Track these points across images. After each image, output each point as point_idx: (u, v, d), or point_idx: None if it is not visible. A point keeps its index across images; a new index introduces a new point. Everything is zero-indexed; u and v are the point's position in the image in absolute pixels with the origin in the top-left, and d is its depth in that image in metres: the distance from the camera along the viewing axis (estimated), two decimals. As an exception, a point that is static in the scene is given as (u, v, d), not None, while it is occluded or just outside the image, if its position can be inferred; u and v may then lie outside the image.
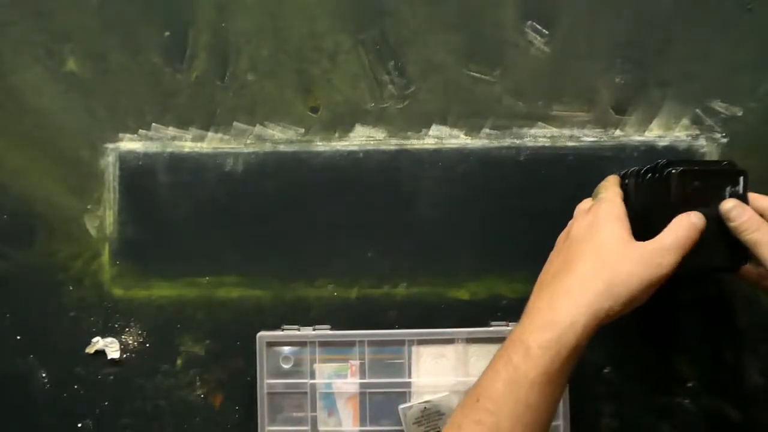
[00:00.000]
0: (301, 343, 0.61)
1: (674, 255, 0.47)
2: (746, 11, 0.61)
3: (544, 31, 0.62)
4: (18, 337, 0.64)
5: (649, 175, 0.52)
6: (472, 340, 0.60)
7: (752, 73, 0.61)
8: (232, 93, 0.64)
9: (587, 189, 0.62)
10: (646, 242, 0.47)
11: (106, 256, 0.64)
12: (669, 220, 0.48)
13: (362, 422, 0.60)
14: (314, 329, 0.61)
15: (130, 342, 0.64)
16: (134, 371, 0.64)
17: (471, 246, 0.63)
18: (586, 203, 0.55)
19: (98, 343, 0.63)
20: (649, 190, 0.51)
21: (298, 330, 0.61)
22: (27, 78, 0.64)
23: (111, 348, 0.63)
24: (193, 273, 0.64)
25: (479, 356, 0.60)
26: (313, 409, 0.60)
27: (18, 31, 0.64)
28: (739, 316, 0.61)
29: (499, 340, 0.59)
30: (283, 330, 0.61)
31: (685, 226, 0.48)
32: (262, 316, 0.63)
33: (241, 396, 0.63)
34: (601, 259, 0.47)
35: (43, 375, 0.64)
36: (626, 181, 0.54)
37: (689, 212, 0.48)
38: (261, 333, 0.60)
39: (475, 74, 0.63)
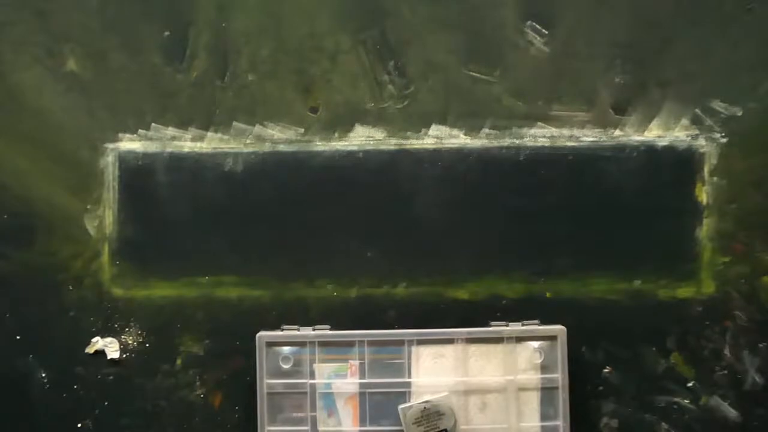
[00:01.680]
0: (300, 343, 0.60)
1: None
2: (746, 11, 0.61)
3: (544, 31, 0.62)
4: (18, 337, 0.64)
5: None
6: (471, 340, 0.60)
7: (752, 73, 0.61)
8: (232, 93, 0.64)
9: (587, 189, 0.62)
10: None
11: (106, 256, 0.64)
12: None
13: (362, 422, 0.60)
14: (314, 329, 0.61)
15: (130, 342, 0.64)
16: (134, 371, 0.64)
17: (471, 246, 0.63)
18: None
19: (98, 343, 0.63)
20: None
21: (298, 330, 0.61)
22: (27, 78, 0.64)
23: (111, 348, 0.63)
24: (193, 273, 0.64)
25: (479, 356, 0.60)
26: (313, 409, 0.60)
27: (18, 31, 0.64)
28: (738, 316, 0.61)
29: (499, 340, 0.60)
30: (282, 330, 0.61)
31: None
32: (262, 316, 0.63)
33: (241, 396, 0.63)
34: None
35: (43, 375, 0.64)
36: None
37: None
38: (261, 333, 0.60)
39: (475, 74, 0.63)
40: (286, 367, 0.60)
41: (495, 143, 0.63)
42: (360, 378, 0.60)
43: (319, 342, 0.60)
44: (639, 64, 0.62)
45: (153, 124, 0.64)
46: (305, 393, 0.60)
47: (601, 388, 0.62)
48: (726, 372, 0.61)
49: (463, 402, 0.59)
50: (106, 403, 0.64)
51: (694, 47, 0.62)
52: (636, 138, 0.62)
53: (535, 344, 0.60)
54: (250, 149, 0.64)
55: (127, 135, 0.64)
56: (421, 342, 0.60)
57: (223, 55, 0.64)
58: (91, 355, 0.64)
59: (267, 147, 0.64)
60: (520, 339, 0.60)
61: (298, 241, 0.63)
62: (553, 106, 0.63)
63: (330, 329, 0.61)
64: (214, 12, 0.63)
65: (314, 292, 0.63)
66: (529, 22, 0.62)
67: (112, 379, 0.64)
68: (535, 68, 0.62)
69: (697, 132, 0.62)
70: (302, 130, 0.64)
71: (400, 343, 0.60)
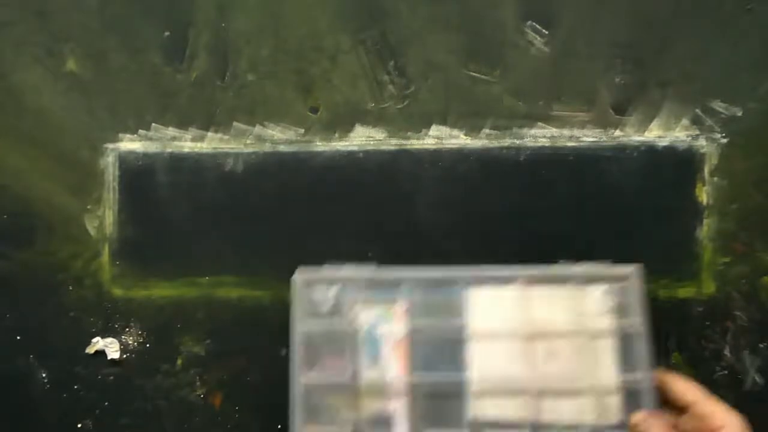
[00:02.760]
0: (341, 284, 0.55)
1: None
2: (746, 11, 0.61)
3: (544, 31, 0.62)
4: (18, 337, 0.64)
5: None
6: (533, 280, 0.54)
7: (752, 73, 0.61)
8: (232, 93, 0.64)
9: (587, 189, 0.62)
10: None
11: (106, 256, 0.64)
12: None
13: (412, 370, 0.55)
14: (358, 267, 0.56)
15: (130, 342, 0.64)
16: (134, 371, 0.64)
17: (471, 246, 0.63)
18: None
19: (98, 343, 0.63)
20: None
21: (340, 269, 0.56)
22: (27, 78, 0.64)
23: (111, 348, 0.63)
24: (193, 273, 0.64)
25: (542, 300, 0.54)
26: (355, 356, 0.55)
27: (18, 31, 0.64)
28: (739, 316, 0.61)
29: (565, 280, 0.55)
30: (322, 268, 0.56)
31: None
32: (262, 316, 0.63)
33: (241, 396, 0.63)
34: None
35: (43, 375, 0.64)
36: None
37: None
38: (298, 272, 0.56)
39: (475, 74, 0.63)
40: (325, 309, 0.56)
41: (495, 143, 0.63)
42: (408, 322, 0.55)
43: (363, 283, 0.55)
44: (639, 64, 0.62)
45: (153, 124, 0.64)
46: (346, 338, 0.55)
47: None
48: (726, 372, 0.61)
49: (526, 348, 0.54)
50: (106, 403, 0.64)
51: (694, 47, 0.62)
52: (636, 138, 0.62)
53: (605, 287, 0.55)
54: (250, 149, 0.64)
55: (128, 135, 0.64)
56: (478, 282, 0.55)
57: (223, 55, 0.64)
58: (91, 355, 0.64)
59: (267, 147, 0.64)
60: (588, 280, 0.55)
61: (298, 241, 0.63)
62: (553, 106, 0.63)
63: (377, 267, 0.56)
64: (214, 12, 0.63)
65: (314, 292, 0.63)
66: (529, 22, 0.62)
67: (112, 379, 0.64)
68: (535, 68, 0.62)
69: (697, 132, 0.62)
70: (302, 131, 0.64)
71: (453, 283, 0.55)
